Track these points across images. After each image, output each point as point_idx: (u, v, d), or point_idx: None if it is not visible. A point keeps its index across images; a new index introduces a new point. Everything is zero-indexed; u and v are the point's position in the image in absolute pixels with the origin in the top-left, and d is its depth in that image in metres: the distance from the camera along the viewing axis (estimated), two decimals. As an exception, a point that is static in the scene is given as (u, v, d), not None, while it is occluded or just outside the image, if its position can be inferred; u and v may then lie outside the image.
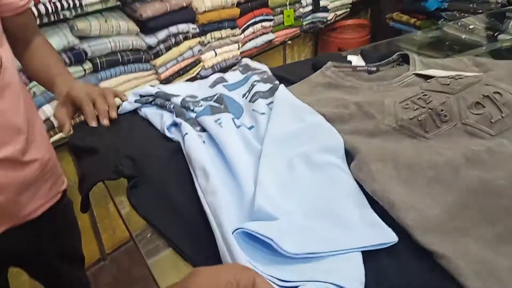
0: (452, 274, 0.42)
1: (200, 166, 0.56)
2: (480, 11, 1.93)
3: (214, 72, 1.93)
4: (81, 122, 0.75)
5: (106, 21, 1.41)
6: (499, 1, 1.88)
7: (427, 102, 0.63)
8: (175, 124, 0.70)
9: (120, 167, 0.59)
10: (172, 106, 0.73)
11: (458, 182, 0.51)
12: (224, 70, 1.98)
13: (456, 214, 0.47)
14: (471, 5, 2.01)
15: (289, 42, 2.46)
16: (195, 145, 0.61)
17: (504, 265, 0.42)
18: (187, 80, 1.81)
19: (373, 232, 0.47)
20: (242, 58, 2.05)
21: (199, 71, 1.88)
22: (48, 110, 1.29)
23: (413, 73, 0.80)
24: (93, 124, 0.72)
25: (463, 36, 1.64)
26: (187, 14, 1.72)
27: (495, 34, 1.67)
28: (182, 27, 1.71)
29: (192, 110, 0.72)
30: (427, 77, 0.78)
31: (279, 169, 0.58)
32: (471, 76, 0.66)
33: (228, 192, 0.54)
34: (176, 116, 0.70)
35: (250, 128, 0.67)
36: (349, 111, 0.68)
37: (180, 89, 0.80)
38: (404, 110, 0.64)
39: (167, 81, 1.71)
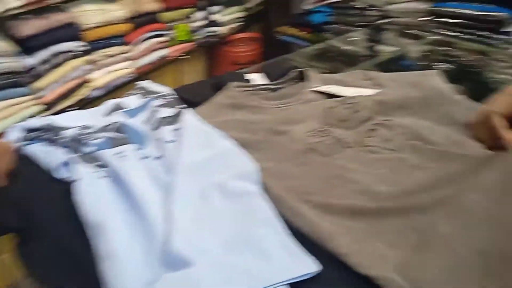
0: None
1: (94, 222, 0.50)
2: (361, 23, 2.11)
3: (107, 91, 1.82)
4: None
5: (-27, 41, 1.23)
6: (377, 14, 2.07)
7: (330, 133, 0.67)
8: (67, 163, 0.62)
9: (5, 220, 0.50)
10: (63, 140, 0.65)
11: (374, 202, 0.53)
12: (117, 88, 1.87)
13: (380, 228, 0.49)
14: (352, 19, 2.19)
15: (186, 56, 2.43)
16: (86, 195, 0.54)
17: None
18: (76, 103, 1.67)
19: (296, 262, 0.46)
20: (137, 75, 1.97)
21: (92, 91, 1.74)
22: None
23: (310, 90, 0.83)
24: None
25: (346, 48, 1.78)
26: (71, 31, 1.60)
27: (374, 46, 1.84)
28: (66, 45, 1.57)
29: (88, 144, 0.65)
30: (323, 93, 0.82)
31: (193, 201, 0.54)
32: (368, 109, 0.71)
33: (133, 240, 0.49)
34: (70, 152, 0.62)
35: (157, 158, 0.63)
36: (257, 137, 0.68)
37: (71, 120, 0.71)
38: (311, 137, 0.67)
39: (52, 105, 1.56)
